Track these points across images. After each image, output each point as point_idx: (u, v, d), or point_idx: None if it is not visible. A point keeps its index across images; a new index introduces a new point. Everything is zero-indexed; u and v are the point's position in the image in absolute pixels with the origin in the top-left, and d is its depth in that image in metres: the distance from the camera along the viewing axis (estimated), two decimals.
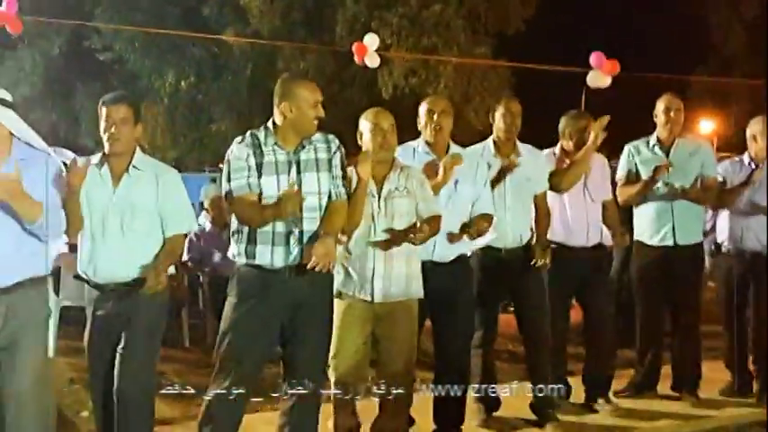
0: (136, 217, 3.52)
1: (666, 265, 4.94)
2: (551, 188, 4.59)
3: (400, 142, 4.38)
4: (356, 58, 11.76)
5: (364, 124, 3.79)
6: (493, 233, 4.12)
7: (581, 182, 4.66)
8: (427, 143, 4.08)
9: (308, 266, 3.22)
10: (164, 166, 3.78)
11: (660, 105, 4.99)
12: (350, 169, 3.55)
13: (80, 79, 17.54)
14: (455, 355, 4.08)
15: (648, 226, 4.99)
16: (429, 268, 3.91)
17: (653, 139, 5.00)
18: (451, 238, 3.94)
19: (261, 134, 3.42)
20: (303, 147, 3.41)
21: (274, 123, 3.45)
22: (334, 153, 3.47)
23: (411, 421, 4.18)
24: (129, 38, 17.11)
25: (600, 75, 11.96)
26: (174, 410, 4.79)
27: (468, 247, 4.12)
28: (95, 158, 3.61)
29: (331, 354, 3.68)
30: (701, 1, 21.90)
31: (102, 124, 3.52)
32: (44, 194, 3.04)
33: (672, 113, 4.91)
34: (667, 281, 4.96)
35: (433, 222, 3.70)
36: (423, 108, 4.10)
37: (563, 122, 4.81)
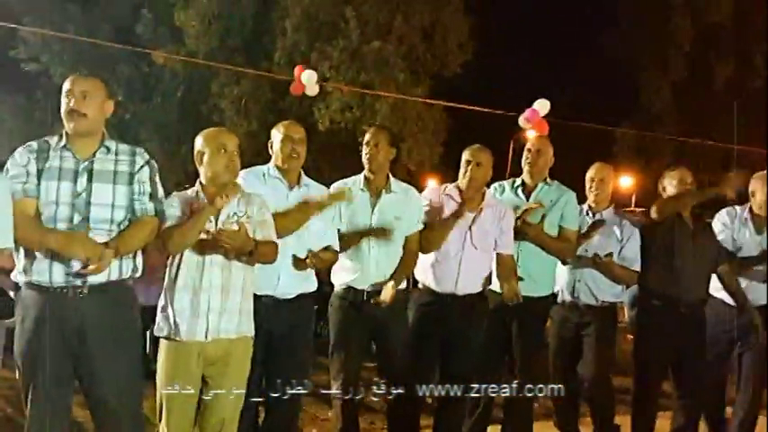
0: None
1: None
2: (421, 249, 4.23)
3: (340, 177, 4.20)
4: (293, 89, 11.62)
5: (200, 143, 3.46)
6: (356, 273, 3.95)
7: (466, 226, 4.25)
8: (278, 168, 3.85)
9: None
10: None
11: (527, 147, 4.72)
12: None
13: (2, 89, 16.94)
14: (285, 402, 3.73)
15: None
16: (269, 305, 3.68)
17: (518, 181, 4.69)
18: (296, 263, 3.72)
19: (53, 139, 3.16)
20: (99, 156, 3.15)
21: None
22: (141, 167, 3.21)
23: None
24: (58, 51, 16.63)
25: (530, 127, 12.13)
26: None
27: (310, 285, 3.86)
28: None
29: (159, 406, 3.33)
30: (632, 60, 22.65)
31: None
32: None
33: (531, 156, 4.63)
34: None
35: (267, 248, 3.44)
36: (278, 134, 3.85)
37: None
